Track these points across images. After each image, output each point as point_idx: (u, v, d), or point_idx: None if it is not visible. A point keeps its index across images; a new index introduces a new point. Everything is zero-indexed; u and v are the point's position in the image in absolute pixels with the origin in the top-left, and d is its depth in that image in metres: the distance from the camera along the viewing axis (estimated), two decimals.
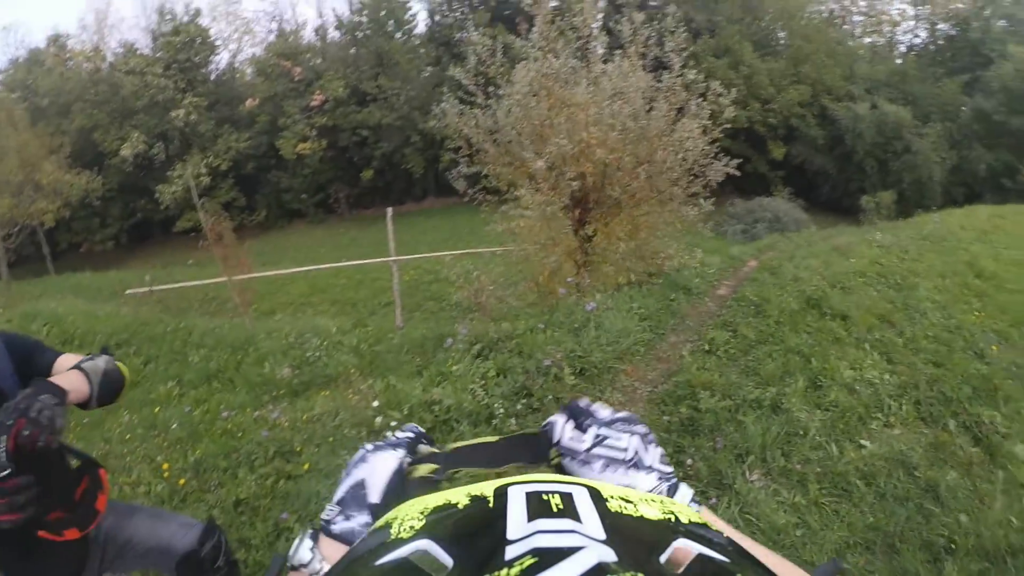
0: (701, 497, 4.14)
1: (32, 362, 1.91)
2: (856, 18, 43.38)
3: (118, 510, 2.12)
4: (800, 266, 9.31)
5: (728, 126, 8.42)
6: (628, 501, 0.69)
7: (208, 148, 37.11)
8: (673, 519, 0.68)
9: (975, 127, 33.37)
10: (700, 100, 8.29)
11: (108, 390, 1.84)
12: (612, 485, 0.76)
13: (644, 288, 7.95)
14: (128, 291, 14.05)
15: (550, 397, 5.15)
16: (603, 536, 0.58)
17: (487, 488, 0.72)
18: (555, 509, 0.64)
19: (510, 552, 0.54)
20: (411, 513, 0.68)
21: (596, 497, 0.68)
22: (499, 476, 0.81)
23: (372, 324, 8.74)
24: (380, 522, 0.73)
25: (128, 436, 5.70)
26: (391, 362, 6.33)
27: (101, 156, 35.94)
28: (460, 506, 0.69)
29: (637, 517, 0.67)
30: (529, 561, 0.52)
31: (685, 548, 0.59)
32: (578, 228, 8.45)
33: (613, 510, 0.66)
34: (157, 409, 6.36)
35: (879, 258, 9.86)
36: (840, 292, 7.94)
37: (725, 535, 0.67)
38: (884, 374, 5.69)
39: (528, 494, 0.68)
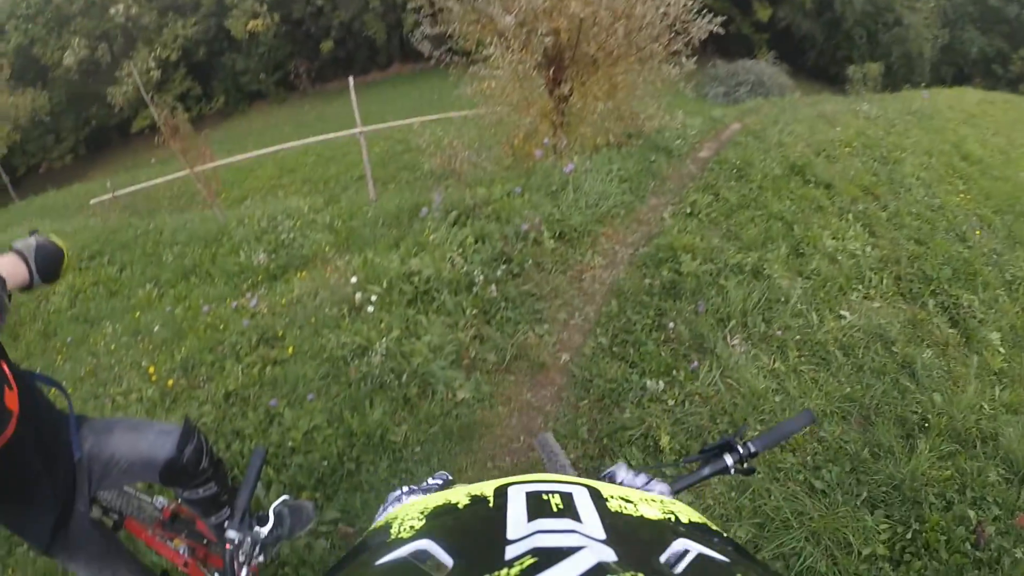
0: (683, 360, 4.19)
1: None
2: None
3: (95, 428, 2.07)
4: (784, 131, 9.10)
5: None
6: (628, 501, 0.70)
7: (154, 40, 35.31)
8: (673, 519, 0.69)
9: (970, 8, 32.51)
10: None
11: (47, 264, 1.74)
12: (612, 485, 0.77)
13: (623, 150, 7.73)
14: (92, 201, 13.61)
15: (530, 262, 5.08)
16: (603, 536, 0.59)
17: (487, 488, 0.72)
18: (555, 509, 0.65)
19: (510, 552, 0.55)
20: (411, 513, 0.69)
21: (596, 497, 0.69)
22: None
23: (345, 200, 8.53)
24: (380, 522, 0.74)
25: (113, 346, 5.69)
26: (367, 236, 6.20)
27: (44, 70, 34.31)
28: (460, 506, 0.69)
29: (637, 517, 0.68)
30: (529, 561, 0.52)
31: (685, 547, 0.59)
32: (553, 88, 8.03)
33: (613, 510, 0.67)
34: (138, 314, 6.31)
35: (865, 129, 9.70)
36: (825, 160, 7.85)
37: (725, 535, 0.68)
38: (866, 246, 5.73)
39: (528, 494, 0.69)
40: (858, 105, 12.15)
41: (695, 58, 8.37)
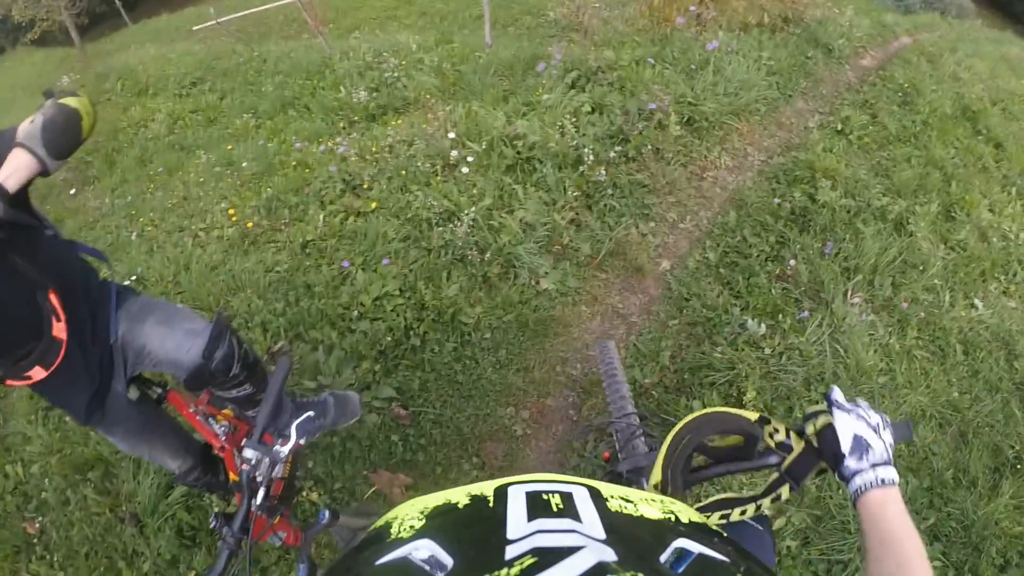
0: (795, 306, 3.66)
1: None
2: None
3: (131, 311, 1.97)
4: (962, 65, 7.81)
5: None
6: (628, 501, 0.72)
7: None
8: (673, 519, 0.71)
9: None
10: None
11: (59, 139, 1.56)
12: (612, 485, 0.76)
13: (777, 36, 6.75)
14: (194, 27, 13.40)
15: (649, 147, 4.51)
16: (603, 536, 0.60)
17: (487, 488, 0.72)
18: (555, 509, 0.66)
19: (510, 552, 0.55)
20: (411, 513, 0.69)
21: (596, 497, 0.70)
22: None
23: (459, 40, 7.87)
24: (380, 521, 0.74)
25: (203, 178, 5.57)
26: (475, 85, 5.64)
27: None
28: (460, 506, 0.70)
29: (637, 517, 0.69)
30: (529, 561, 0.52)
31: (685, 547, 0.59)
32: None
33: (613, 510, 0.68)
34: (231, 147, 6.14)
35: None
36: (1001, 113, 6.74)
37: (725, 535, 0.70)
38: (1021, 232, 4.86)
39: (528, 494, 0.69)
40: None
41: None
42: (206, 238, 4.45)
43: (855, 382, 3.31)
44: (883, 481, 0.88)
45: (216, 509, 2.72)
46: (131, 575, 2.68)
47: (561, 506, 0.66)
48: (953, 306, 3.97)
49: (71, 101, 1.62)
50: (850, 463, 0.91)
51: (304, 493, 2.82)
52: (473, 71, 5.91)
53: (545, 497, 0.68)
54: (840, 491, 2.79)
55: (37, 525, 2.99)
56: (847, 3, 8.73)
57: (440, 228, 3.80)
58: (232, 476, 2.26)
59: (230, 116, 7.35)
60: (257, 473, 1.42)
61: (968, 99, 6.65)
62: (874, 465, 0.90)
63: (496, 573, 0.50)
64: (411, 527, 0.65)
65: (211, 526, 2.30)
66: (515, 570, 0.50)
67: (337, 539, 1.48)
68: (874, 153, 5.34)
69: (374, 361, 3.21)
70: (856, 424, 0.94)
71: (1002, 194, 5.32)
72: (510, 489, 0.71)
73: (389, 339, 3.30)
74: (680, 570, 0.56)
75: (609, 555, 0.53)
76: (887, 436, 0.96)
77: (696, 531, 0.67)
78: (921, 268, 4.13)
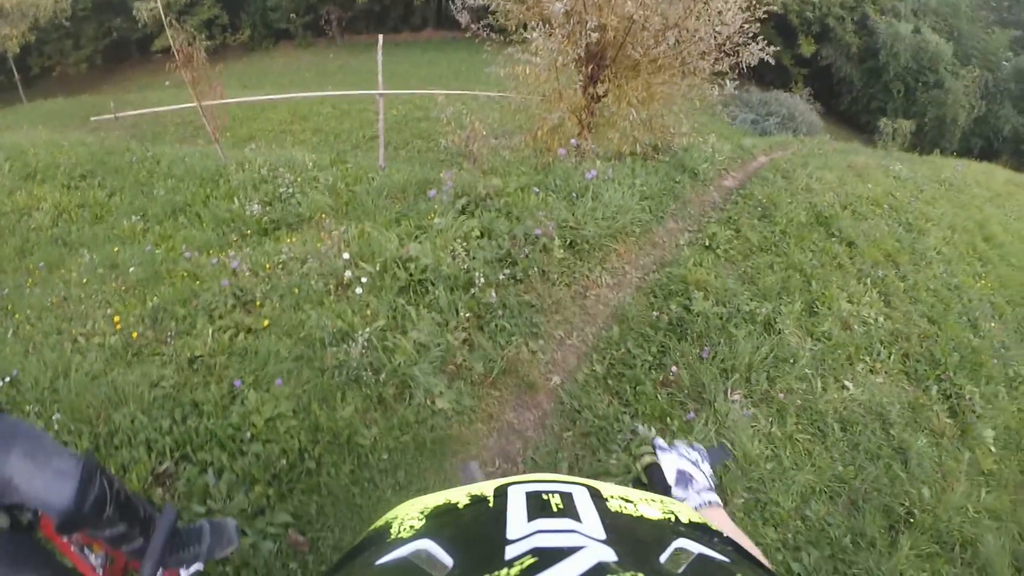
0: (680, 409, 3.96)
1: None
2: None
3: None
4: (814, 177, 8.90)
5: (773, 8, 7.61)
6: (628, 501, 0.71)
7: None
8: (673, 519, 0.70)
9: (1011, 85, 32.35)
10: None
11: None
12: (612, 485, 0.76)
13: (648, 164, 7.43)
14: (92, 118, 13.20)
15: (535, 269, 4.78)
16: (603, 536, 0.59)
17: (487, 488, 0.73)
18: (555, 509, 0.66)
19: (510, 552, 0.55)
20: (411, 513, 0.69)
21: (596, 497, 0.70)
22: None
23: (353, 160, 8.15)
24: (380, 522, 0.72)
25: (87, 279, 5.38)
26: (368, 206, 5.86)
27: None
28: (460, 506, 0.70)
29: (637, 517, 0.69)
30: (529, 561, 0.52)
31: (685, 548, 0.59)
32: (588, 85, 7.65)
33: (613, 510, 0.68)
34: (117, 248, 5.99)
35: (894, 190, 9.59)
36: (851, 216, 7.70)
37: (725, 535, 0.69)
38: (880, 316, 5.59)
39: (528, 494, 0.70)
40: (890, 163, 11.97)
41: (737, 82, 8.08)
42: (86, 344, 4.25)
43: (744, 471, 3.57)
44: (709, 503, 1.06)
45: None
46: None
47: (561, 506, 0.66)
48: (826, 390, 4.38)
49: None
50: (678, 493, 1.09)
51: None
52: (367, 192, 6.13)
53: (545, 497, 0.68)
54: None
55: None
56: (710, 131, 9.70)
57: (334, 348, 3.82)
58: None
59: (118, 216, 7.18)
60: None
61: (820, 206, 7.45)
62: (699, 491, 1.09)
63: (496, 573, 0.51)
64: (411, 527, 0.65)
65: None
66: (515, 570, 0.51)
67: None
68: (740, 263, 5.86)
69: (267, 485, 3.13)
70: (678, 461, 1.14)
71: (858, 286, 5.97)
72: (510, 489, 0.71)
73: (283, 462, 3.24)
74: (680, 570, 0.56)
75: (609, 555, 0.53)
76: (706, 468, 1.16)
77: (696, 531, 0.68)
78: (792, 361, 4.54)
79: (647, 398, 3.99)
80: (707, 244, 6.06)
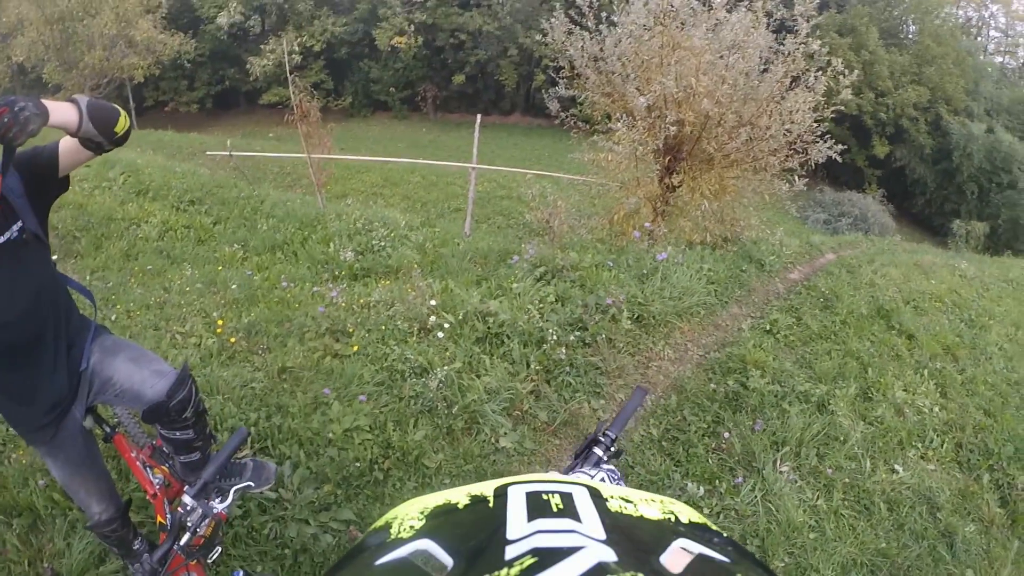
0: (729, 473, 4.14)
1: (37, 168, 1.96)
2: (992, 33, 40.65)
3: (105, 345, 2.22)
4: (878, 273, 9.02)
5: (840, 108, 7.97)
6: (628, 501, 0.70)
7: (304, 27, 37.28)
8: (673, 519, 0.69)
9: None
10: (819, 73, 7.78)
11: (100, 117, 1.82)
12: (612, 485, 0.79)
13: (717, 252, 7.74)
14: (208, 152, 14.29)
15: (603, 336, 5.11)
16: (603, 536, 0.58)
17: (487, 488, 0.72)
18: (555, 509, 0.64)
19: (510, 552, 0.55)
20: (411, 513, 0.68)
21: (596, 497, 0.69)
22: None
23: (440, 227, 8.73)
24: (380, 522, 0.73)
25: (187, 289, 5.88)
26: (453, 266, 6.34)
27: (197, 21, 36.41)
28: (460, 506, 0.69)
29: (637, 517, 0.68)
30: (529, 561, 0.52)
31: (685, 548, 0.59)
32: (664, 175, 8.16)
33: (613, 510, 0.67)
34: (220, 268, 6.52)
35: (959, 287, 9.55)
36: (912, 310, 7.75)
37: (725, 535, 0.68)
38: (935, 406, 5.61)
39: (528, 494, 0.68)
40: (956, 261, 11.90)
41: (806, 180, 8.37)
42: (183, 342, 4.71)
43: (788, 537, 3.72)
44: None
45: None
46: None
47: (561, 506, 0.65)
48: (875, 471, 4.47)
49: (121, 110, 1.93)
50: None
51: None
52: (452, 254, 6.64)
53: (545, 497, 0.67)
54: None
55: None
56: (779, 226, 9.92)
57: (413, 380, 4.25)
58: (159, 520, 2.41)
59: (220, 241, 7.76)
60: (188, 519, 1.64)
61: (882, 300, 7.54)
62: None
63: (496, 573, 0.51)
64: (411, 527, 0.65)
65: (134, 548, 2.49)
66: (515, 570, 0.51)
67: None
68: (798, 348, 6.01)
69: (336, 485, 3.46)
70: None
71: (915, 376, 6.00)
72: (510, 489, 0.70)
73: (355, 468, 3.56)
74: (680, 570, 0.55)
75: (609, 555, 0.53)
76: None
77: (696, 531, 0.67)
78: (842, 440, 4.67)
79: (698, 460, 4.22)
80: (768, 329, 6.24)
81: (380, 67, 38.80)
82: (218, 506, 1.74)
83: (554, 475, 0.83)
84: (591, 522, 0.62)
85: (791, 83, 7.81)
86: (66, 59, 25.62)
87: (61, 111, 1.77)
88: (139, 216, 8.15)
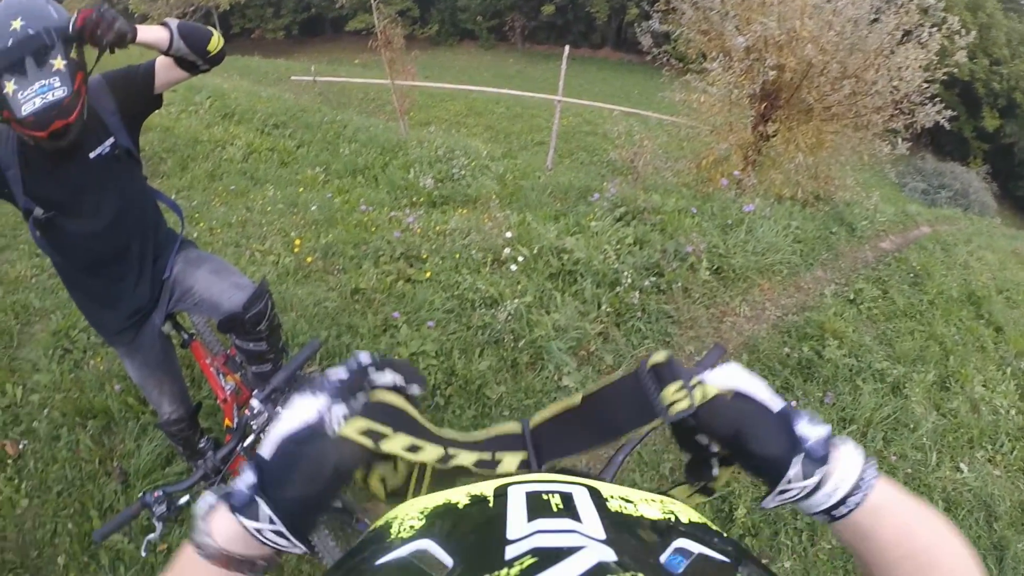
0: None
1: (132, 87, 2.06)
2: None
3: (189, 257, 2.34)
4: (974, 254, 8.47)
5: (952, 71, 7.35)
6: (628, 501, 0.69)
7: None
8: (673, 519, 0.67)
9: None
10: (933, 30, 7.16)
11: (192, 35, 1.95)
12: (612, 485, 0.74)
13: (807, 209, 7.40)
14: (293, 77, 14.42)
15: (679, 284, 4.97)
16: (603, 536, 0.58)
17: (487, 488, 0.71)
18: (555, 509, 0.64)
19: (510, 552, 0.54)
20: (411, 512, 0.68)
21: (596, 496, 0.68)
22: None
23: (522, 159, 8.61)
24: (380, 521, 0.72)
25: (269, 209, 6.00)
26: (532, 200, 6.25)
27: None
28: (460, 506, 0.68)
29: (637, 516, 0.66)
30: (529, 561, 0.52)
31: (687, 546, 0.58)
32: (759, 123, 7.75)
33: (613, 510, 0.66)
34: (301, 190, 6.62)
35: None
36: (1004, 301, 7.25)
37: (726, 535, 0.66)
38: (1012, 409, 5.23)
39: (528, 494, 0.68)
40: None
41: (909, 144, 7.85)
42: (261, 259, 4.87)
43: None
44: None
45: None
46: (99, 526, 2.88)
47: (561, 506, 0.65)
48: (939, 466, 4.26)
49: (214, 30, 2.04)
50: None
51: None
52: (532, 188, 6.54)
53: (545, 497, 0.67)
54: None
55: (20, 447, 3.17)
56: (875, 189, 9.41)
57: (482, 310, 4.25)
58: (227, 423, 2.58)
59: (303, 164, 7.87)
60: (254, 422, 1.69)
61: (974, 285, 7.11)
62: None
63: (496, 573, 0.51)
64: (411, 527, 0.65)
65: (199, 447, 2.65)
66: (515, 570, 0.51)
67: None
68: (880, 324, 5.74)
69: None
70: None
71: (997, 373, 5.66)
72: (510, 489, 0.70)
73: None
74: (680, 570, 0.55)
75: (609, 555, 0.53)
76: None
77: (696, 531, 0.66)
78: (912, 428, 4.45)
79: None
80: (851, 298, 5.98)
81: None
82: (284, 412, 1.73)
83: (554, 475, 0.77)
84: (591, 522, 0.62)
85: (902, 37, 7.22)
86: None
87: (151, 29, 1.89)
88: (224, 139, 8.33)
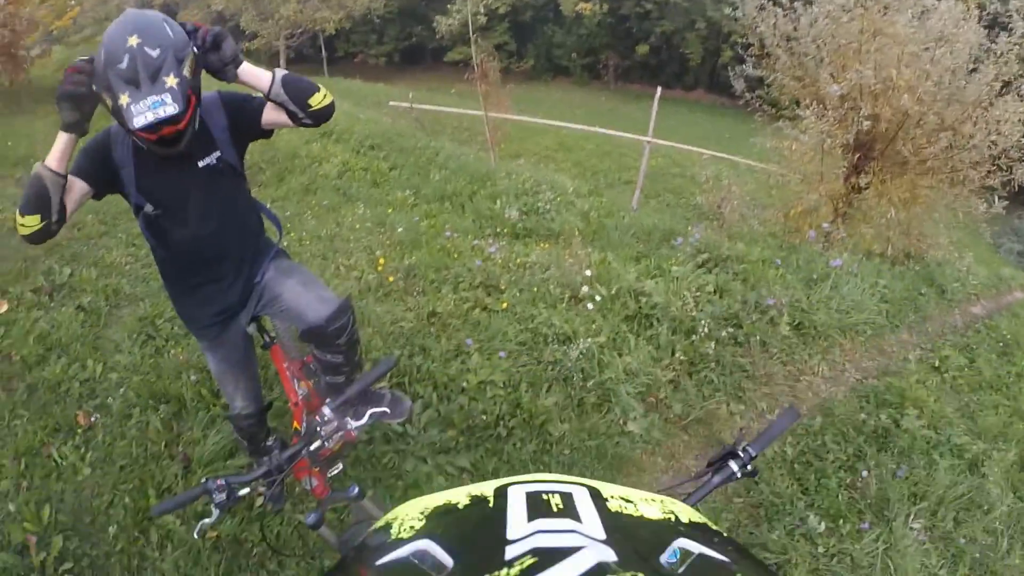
0: (856, 516, 3.83)
1: (243, 113, 2.22)
2: None
3: (281, 267, 2.46)
4: None
5: None
6: (628, 501, 0.70)
7: None
8: (673, 519, 0.70)
9: None
10: None
11: (294, 87, 2.11)
12: (612, 485, 0.76)
13: (896, 268, 7.11)
14: (391, 103, 14.93)
15: (757, 338, 4.88)
16: (603, 536, 0.59)
17: (487, 488, 0.72)
18: (555, 509, 0.64)
19: (510, 552, 0.55)
20: (411, 513, 0.69)
21: (596, 497, 0.69)
22: None
23: (608, 197, 8.66)
24: (380, 522, 0.73)
25: (357, 226, 6.24)
26: (614, 239, 6.29)
27: None
28: (460, 506, 0.69)
29: (637, 517, 0.68)
30: (529, 561, 0.52)
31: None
32: (851, 174, 7.54)
33: (613, 510, 0.67)
34: (390, 210, 6.84)
35: None
36: None
37: (725, 534, 0.67)
38: None
39: (528, 494, 0.68)
40: None
41: (1006, 203, 7.47)
42: (345, 273, 5.06)
43: None
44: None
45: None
46: (155, 504, 2.89)
47: (561, 506, 0.65)
48: (1010, 554, 3.97)
49: (323, 88, 2.19)
50: None
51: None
52: (615, 227, 6.57)
53: (545, 497, 0.67)
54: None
55: (91, 420, 3.35)
56: (969, 250, 8.97)
57: (554, 346, 4.29)
58: (296, 426, 2.72)
59: (394, 186, 8.12)
60: (322, 428, 1.72)
61: None
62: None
63: (496, 573, 0.51)
64: (411, 527, 0.66)
65: (265, 444, 2.80)
66: (515, 570, 0.51)
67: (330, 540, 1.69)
68: (964, 395, 5.45)
69: (460, 433, 3.60)
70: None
71: None
72: (510, 489, 0.70)
73: (481, 420, 3.69)
74: (680, 570, 0.56)
75: (609, 555, 0.53)
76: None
77: (696, 531, 0.68)
78: (986, 510, 4.17)
79: (828, 493, 3.93)
80: (936, 365, 5.71)
81: (564, 32, 38.87)
82: (352, 423, 1.83)
83: (554, 475, 0.80)
84: (591, 522, 0.62)
85: (1001, 88, 6.93)
86: (262, 10, 27.87)
87: (254, 72, 2.09)
88: (321, 156, 8.66)
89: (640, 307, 4.77)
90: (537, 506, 0.66)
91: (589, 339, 4.31)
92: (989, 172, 7.14)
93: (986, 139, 6.87)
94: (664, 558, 0.58)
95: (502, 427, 3.73)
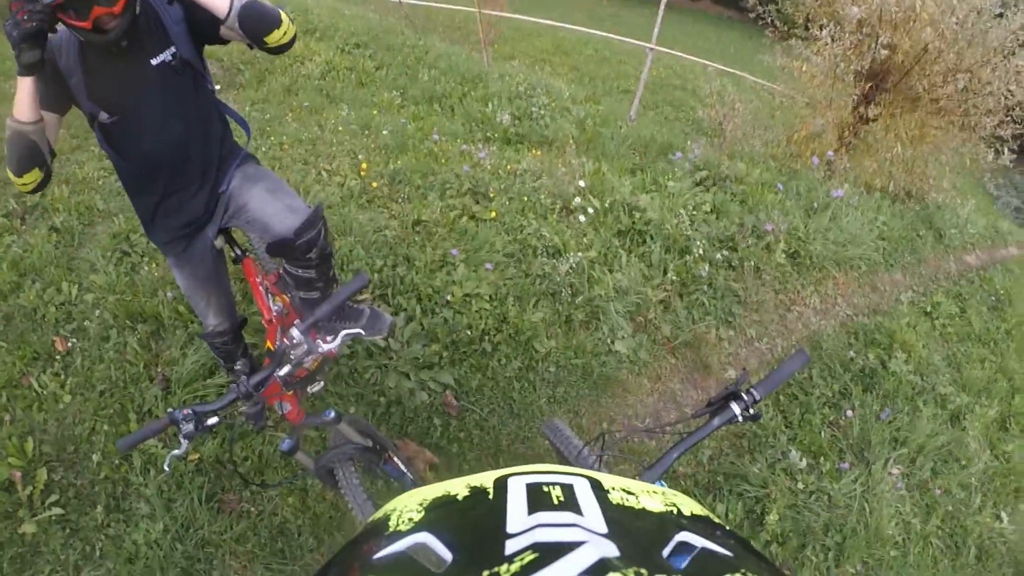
0: (836, 454, 3.80)
1: (199, 10, 1.96)
2: None
3: (247, 173, 2.27)
4: None
5: None
6: (630, 493, 0.69)
7: None
8: (675, 512, 0.68)
9: None
10: None
11: (252, 20, 1.91)
12: (613, 476, 0.75)
13: (897, 205, 6.94)
14: None
15: (751, 263, 4.71)
16: (605, 530, 0.57)
17: (487, 479, 0.71)
18: (556, 501, 0.63)
19: (510, 546, 0.54)
20: (410, 505, 0.67)
21: (597, 489, 0.68)
22: None
23: (605, 105, 8.27)
24: (379, 514, 0.70)
25: (341, 129, 5.87)
26: (610, 150, 5.98)
27: None
28: (459, 498, 0.68)
29: (639, 510, 0.67)
30: (530, 557, 0.50)
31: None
32: (861, 104, 7.19)
33: (615, 502, 0.66)
34: (375, 112, 6.45)
35: None
36: None
37: (728, 528, 0.66)
38: None
39: (528, 485, 0.67)
40: None
41: (1014, 156, 7.27)
42: (328, 179, 4.77)
43: (869, 544, 3.41)
44: None
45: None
46: (136, 428, 2.86)
47: (562, 498, 0.64)
48: (980, 510, 4.01)
49: (283, 12, 1.97)
50: None
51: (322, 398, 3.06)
52: (611, 137, 6.25)
53: (546, 489, 0.66)
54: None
55: (68, 345, 3.21)
56: (970, 197, 8.83)
57: (543, 259, 4.09)
58: (268, 345, 2.57)
59: (380, 87, 7.65)
60: (292, 351, 1.64)
61: None
62: None
63: (496, 569, 0.50)
64: (410, 520, 0.64)
65: (236, 367, 2.65)
66: (515, 566, 0.50)
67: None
68: (953, 344, 5.43)
69: (444, 347, 3.47)
70: None
71: None
72: (510, 481, 0.69)
73: (465, 335, 3.55)
74: (683, 564, 0.55)
75: (611, 550, 0.52)
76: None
77: (699, 524, 0.66)
78: (963, 464, 4.20)
79: (811, 429, 3.89)
80: (927, 311, 5.68)
81: None
82: (324, 345, 1.76)
83: (555, 466, 0.78)
84: (592, 515, 0.61)
85: None
86: None
87: None
88: (303, 54, 8.13)
89: (633, 222, 4.53)
90: (537, 498, 0.64)
91: (579, 253, 4.11)
92: (1002, 122, 6.89)
93: (1003, 88, 6.60)
94: (666, 553, 0.56)
95: (487, 342, 3.58)
